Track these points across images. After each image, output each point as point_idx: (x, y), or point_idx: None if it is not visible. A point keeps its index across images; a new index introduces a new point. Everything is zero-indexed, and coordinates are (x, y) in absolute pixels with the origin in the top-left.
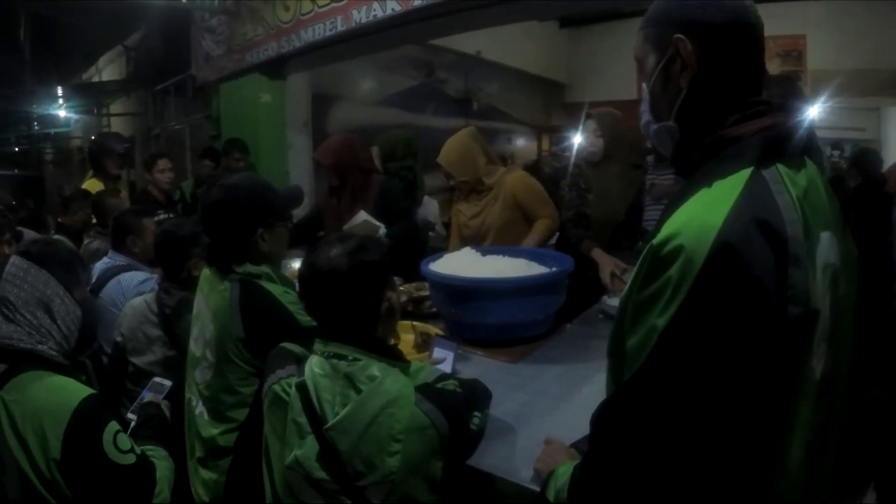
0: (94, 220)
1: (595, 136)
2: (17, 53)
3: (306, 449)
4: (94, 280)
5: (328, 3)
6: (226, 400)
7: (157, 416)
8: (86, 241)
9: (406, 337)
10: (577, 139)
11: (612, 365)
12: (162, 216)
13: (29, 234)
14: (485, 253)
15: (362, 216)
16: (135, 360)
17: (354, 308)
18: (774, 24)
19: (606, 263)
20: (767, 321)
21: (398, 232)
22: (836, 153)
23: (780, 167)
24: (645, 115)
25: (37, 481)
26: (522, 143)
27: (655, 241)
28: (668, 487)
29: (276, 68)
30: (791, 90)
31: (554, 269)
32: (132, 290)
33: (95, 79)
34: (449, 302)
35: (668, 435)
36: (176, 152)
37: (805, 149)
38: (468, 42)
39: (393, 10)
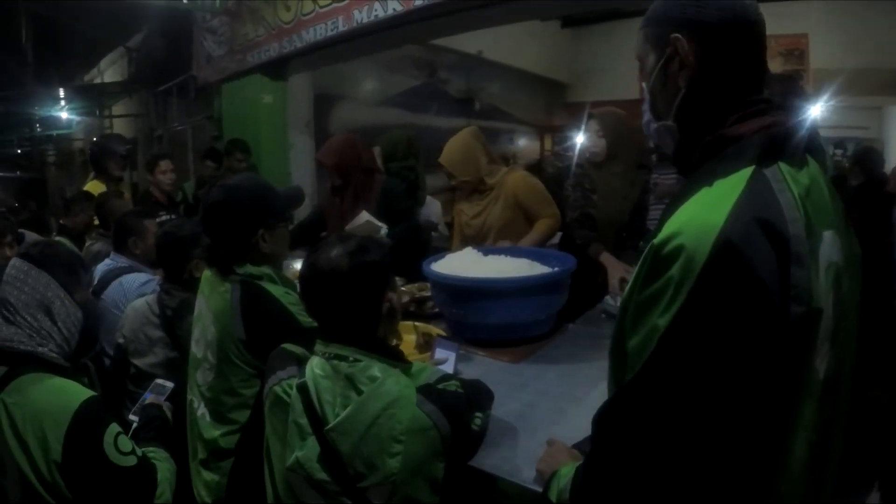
0: (97, 222)
1: (597, 137)
2: (19, 55)
3: (307, 450)
4: (95, 282)
5: (329, 3)
6: (227, 401)
7: (158, 418)
8: (87, 242)
9: (408, 337)
10: (579, 139)
11: (614, 365)
12: (164, 217)
13: (31, 235)
14: (486, 253)
15: (364, 216)
16: (136, 361)
17: (355, 309)
18: (776, 23)
19: (616, 269)
20: (770, 321)
21: (400, 232)
22: (839, 152)
23: (782, 166)
24: (646, 115)
25: (37, 483)
26: (525, 143)
27: (656, 240)
28: (670, 488)
29: (277, 69)
30: (792, 89)
31: (556, 268)
32: (134, 291)
33: (97, 80)
34: (451, 302)
35: (670, 436)
36: (178, 153)
37: (807, 147)
38: (470, 42)
39: (394, 9)
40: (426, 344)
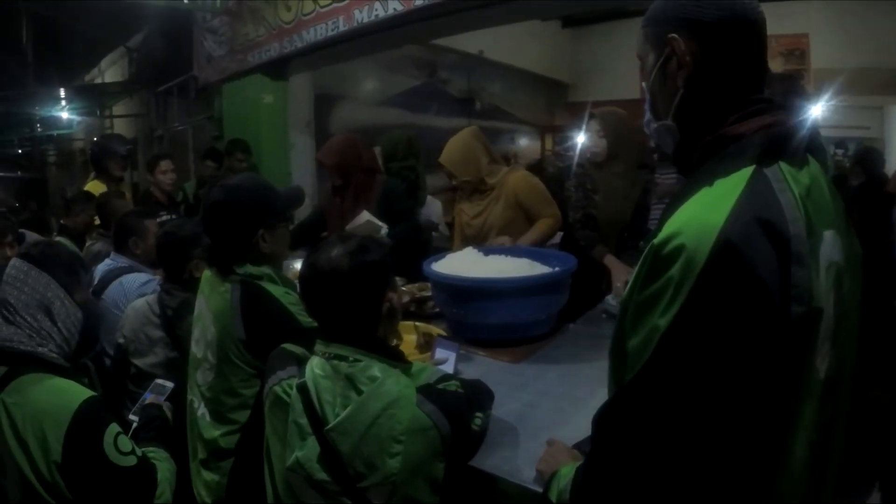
0: (97, 222)
1: (598, 137)
2: (20, 55)
3: (307, 450)
4: (96, 282)
5: (330, 3)
6: (227, 402)
7: (158, 418)
8: (88, 242)
9: (408, 337)
10: (580, 139)
11: (614, 366)
12: (164, 217)
13: (31, 235)
14: (487, 253)
15: (365, 216)
16: (137, 361)
17: (355, 309)
18: (777, 22)
19: (620, 271)
20: (770, 321)
21: (401, 232)
22: (840, 152)
23: (783, 165)
24: (646, 114)
25: (37, 484)
26: (525, 143)
27: (656, 240)
28: (670, 488)
29: (278, 69)
30: (793, 88)
31: (556, 268)
32: (134, 291)
33: (98, 80)
34: (451, 302)
35: (671, 436)
36: (179, 153)
37: (808, 147)
38: (471, 42)
39: (395, 9)
40: (426, 344)
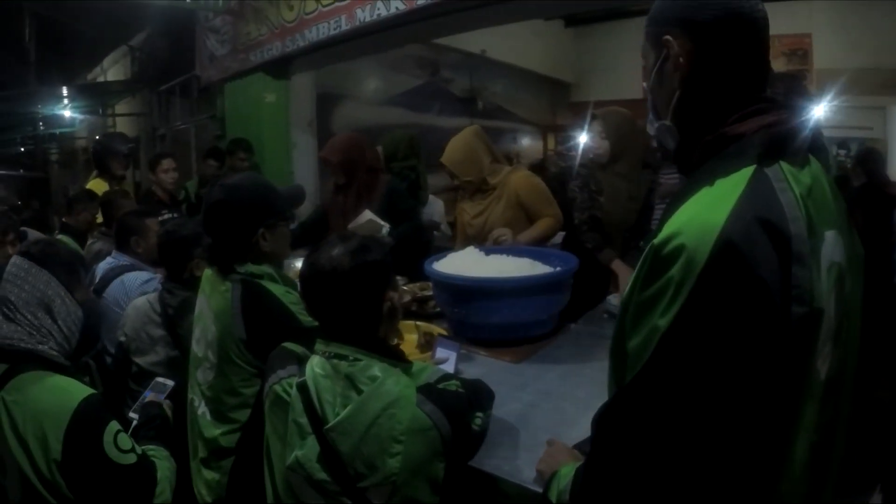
0: (99, 221)
1: (601, 139)
2: (22, 54)
3: (307, 450)
4: (97, 280)
5: (332, 3)
6: (228, 401)
7: (158, 417)
8: (89, 241)
9: (409, 337)
10: (582, 139)
11: (614, 366)
12: (166, 216)
13: (33, 234)
14: (488, 252)
15: (367, 215)
16: (138, 360)
17: (356, 308)
18: (780, 22)
19: (627, 276)
20: (771, 321)
21: (403, 232)
22: (843, 152)
23: (784, 165)
24: (649, 114)
25: (38, 482)
26: (528, 143)
27: (656, 240)
28: (670, 489)
29: (280, 68)
30: (794, 87)
31: (558, 268)
32: (135, 290)
33: (100, 79)
34: (452, 301)
35: (670, 437)
36: (181, 152)
37: (810, 147)
38: (473, 41)
39: (397, 8)
40: (427, 343)
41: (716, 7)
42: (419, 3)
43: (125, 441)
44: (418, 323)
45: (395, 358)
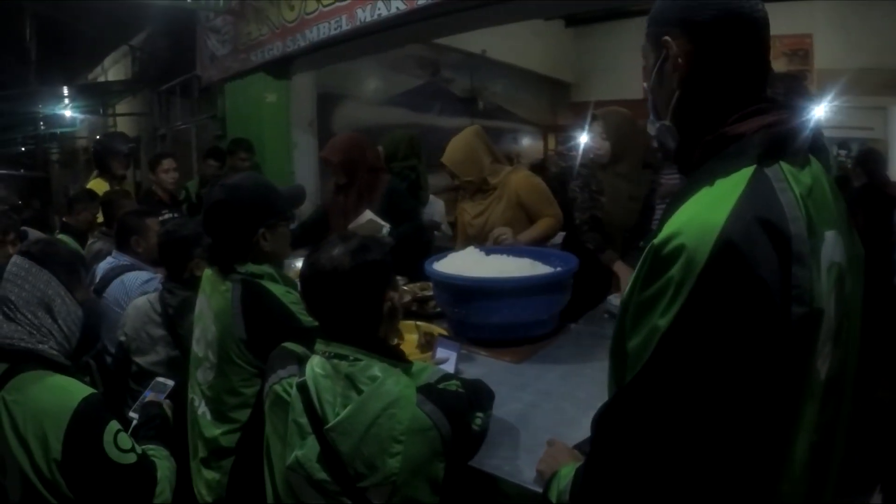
0: (101, 220)
1: (601, 139)
2: (23, 54)
3: (307, 449)
4: (97, 280)
5: (333, 3)
6: (228, 401)
7: (158, 416)
8: (89, 241)
9: (410, 337)
10: (583, 139)
11: (614, 366)
12: (167, 216)
13: (34, 233)
14: (489, 252)
15: (367, 215)
16: (138, 359)
17: (356, 308)
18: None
19: (628, 277)
20: (771, 321)
21: (403, 232)
22: (844, 152)
23: (784, 165)
24: (650, 114)
25: (38, 482)
26: (528, 143)
27: (656, 240)
28: (670, 490)
29: (281, 68)
30: (795, 88)
31: (558, 268)
32: (136, 290)
33: (101, 79)
34: (453, 302)
35: (670, 437)
36: (182, 152)
37: (810, 147)
38: (474, 41)
39: (398, 8)
40: (428, 343)
41: (715, 7)
42: (420, 3)
43: (125, 441)
44: (419, 323)
45: (396, 358)
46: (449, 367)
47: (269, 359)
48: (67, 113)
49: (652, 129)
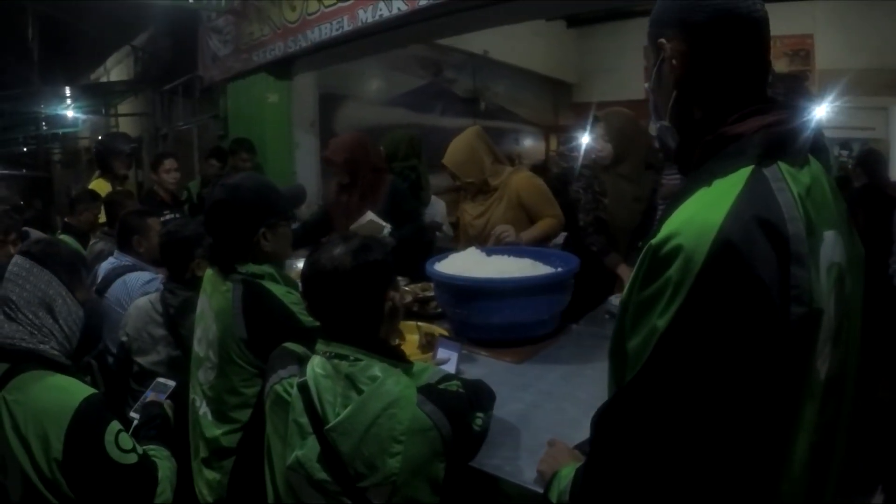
0: (103, 221)
1: (603, 141)
2: (26, 54)
3: (307, 449)
4: (99, 280)
5: (334, 3)
6: (229, 401)
7: (159, 416)
8: (91, 241)
9: (411, 337)
10: (584, 139)
11: (613, 366)
12: (168, 216)
13: (35, 234)
14: (490, 253)
15: (368, 216)
16: (140, 359)
17: (357, 308)
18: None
19: None
20: (770, 321)
21: (405, 232)
22: (845, 153)
23: (782, 165)
24: (651, 115)
25: (39, 482)
26: (530, 143)
27: (654, 241)
28: (669, 490)
29: (282, 68)
30: (795, 88)
31: (559, 269)
32: (137, 290)
33: (103, 79)
34: (454, 302)
35: (669, 437)
36: (183, 152)
37: (810, 147)
38: (476, 42)
39: (399, 9)
40: (429, 344)
41: (710, 8)
42: (421, 3)
43: (126, 441)
44: (420, 323)
45: (396, 358)
46: (450, 368)
47: (269, 359)
48: (69, 113)
49: (653, 129)
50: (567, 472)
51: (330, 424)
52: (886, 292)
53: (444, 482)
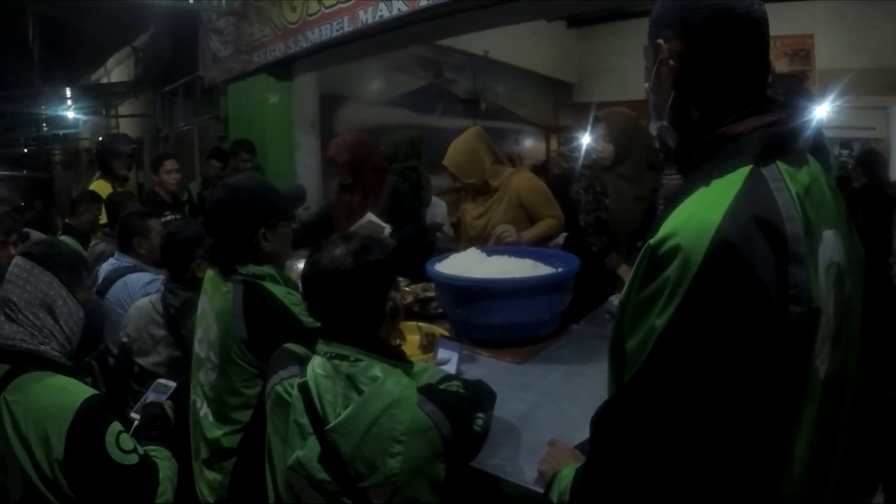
0: (103, 222)
1: (604, 142)
2: (26, 55)
3: (308, 450)
4: (100, 281)
5: (335, 4)
6: (230, 401)
7: (160, 417)
8: (92, 242)
9: (411, 338)
10: (585, 139)
11: (613, 366)
12: (169, 217)
13: (36, 235)
14: (490, 253)
15: (368, 216)
16: (140, 360)
17: (358, 308)
18: (782, 23)
19: None
20: (768, 321)
21: (406, 233)
22: (846, 152)
23: (781, 165)
24: (651, 115)
25: (39, 482)
26: (531, 144)
27: (653, 240)
28: (669, 490)
29: (283, 69)
30: (795, 87)
31: (560, 269)
32: (138, 291)
33: (104, 80)
34: (454, 302)
35: (669, 437)
36: (184, 153)
37: (810, 147)
38: (476, 42)
39: (399, 10)
40: (429, 344)
41: (708, 8)
42: (421, 4)
43: (127, 441)
44: (420, 324)
45: (397, 358)
46: (450, 368)
47: (270, 359)
48: (70, 114)
49: (654, 129)
50: (568, 473)
51: (330, 425)
52: (886, 292)
53: (445, 482)
